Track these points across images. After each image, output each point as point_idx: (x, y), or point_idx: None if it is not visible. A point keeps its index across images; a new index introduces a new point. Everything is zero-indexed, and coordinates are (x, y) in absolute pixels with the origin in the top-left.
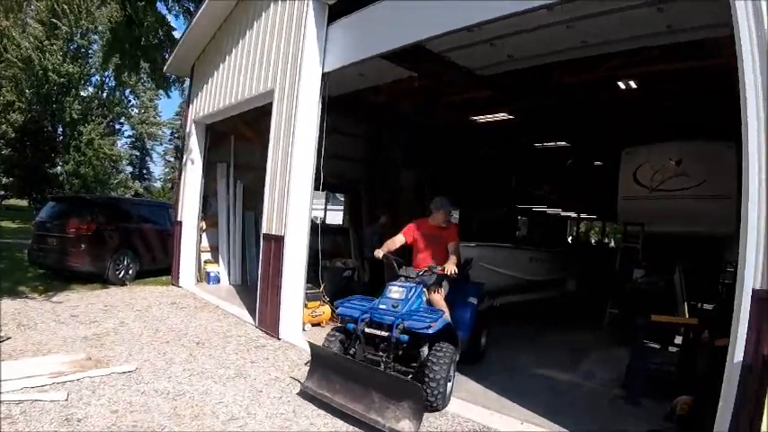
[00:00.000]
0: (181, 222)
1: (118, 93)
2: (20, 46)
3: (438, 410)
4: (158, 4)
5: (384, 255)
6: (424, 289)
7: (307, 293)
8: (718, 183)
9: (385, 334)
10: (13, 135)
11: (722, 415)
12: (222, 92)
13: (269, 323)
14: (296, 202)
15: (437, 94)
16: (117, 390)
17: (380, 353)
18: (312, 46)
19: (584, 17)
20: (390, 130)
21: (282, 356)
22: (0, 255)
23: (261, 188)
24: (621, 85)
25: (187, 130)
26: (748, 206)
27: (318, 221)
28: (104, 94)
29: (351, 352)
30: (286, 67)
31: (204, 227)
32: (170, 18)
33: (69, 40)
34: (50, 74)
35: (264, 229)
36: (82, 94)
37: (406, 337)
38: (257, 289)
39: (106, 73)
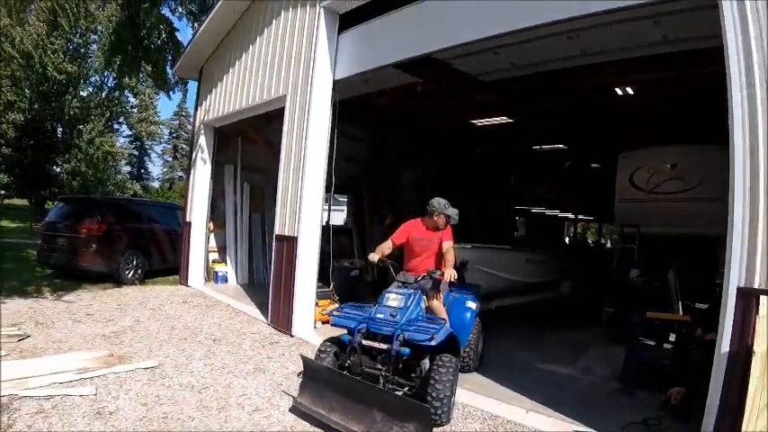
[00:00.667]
0: (190, 223)
1: (117, 92)
2: (22, 41)
3: (442, 426)
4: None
5: (379, 259)
6: (423, 297)
7: (317, 292)
8: (712, 185)
9: (384, 347)
10: (14, 134)
11: (711, 401)
12: (232, 96)
13: (281, 320)
14: (308, 204)
15: (439, 97)
16: (143, 384)
17: (379, 365)
18: (324, 54)
19: (584, 29)
20: (393, 132)
21: (297, 352)
22: (5, 255)
23: (267, 190)
24: (619, 91)
25: (196, 132)
26: (734, 209)
27: (326, 223)
28: (103, 94)
29: (346, 364)
30: (298, 75)
31: (212, 227)
32: (173, 20)
33: (69, 40)
34: (50, 70)
35: (277, 231)
36: (81, 93)
37: (407, 351)
38: (269, 288)
39: (105, 73)
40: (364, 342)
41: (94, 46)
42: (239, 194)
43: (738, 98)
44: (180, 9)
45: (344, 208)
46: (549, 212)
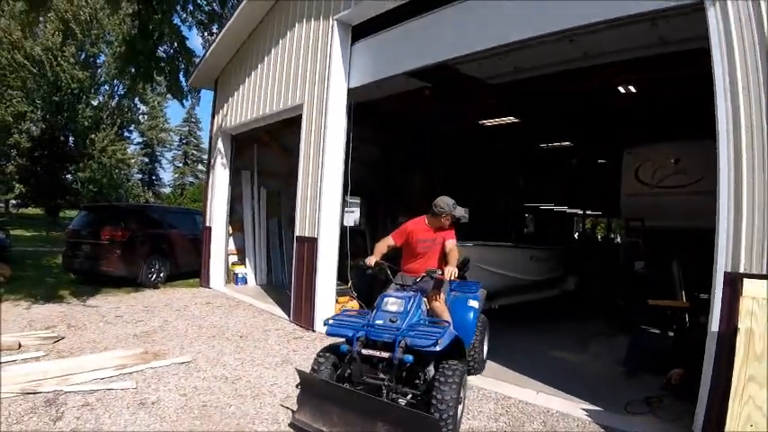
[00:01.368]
0: (210, 227)
1: (126, 100)
2: (32, 48)
3: None
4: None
5: (376, 262)
6: (424, 298)
7: (336, 289)
8: (714, 179)
9: (385, 355)
10: (28, 145)
11: (705, 376)
12: (249, 105)
13: (304, 317)
14: (327, 207)
15: (447, 100)
16: (180, 377)
17: (381, 375)
18: (338, 64)
19: (586, 32)
20: (402, 134)
21: (321, 346)
22: (25, 263)
23: (283, 193)
24: (621, 89)
25: (213, 140)
26: (720, 202)
27: (346, 224)
28: (113, 102)
29: (346, 374)
30: (314, 84)
31: (231, 231)
32: (183, 29)
33: (80, 48)
34: (63, 75)
35: (298, 232)
36: (92, 102)
37: (410, 358)
38: (291, 287)
39: (115, 81)
40: (364, 351)
41: (103, 56)
42: (256, 199)
43: (722, 99)
44: (190, 19)
45: (354, 210)
46: (557, 209)
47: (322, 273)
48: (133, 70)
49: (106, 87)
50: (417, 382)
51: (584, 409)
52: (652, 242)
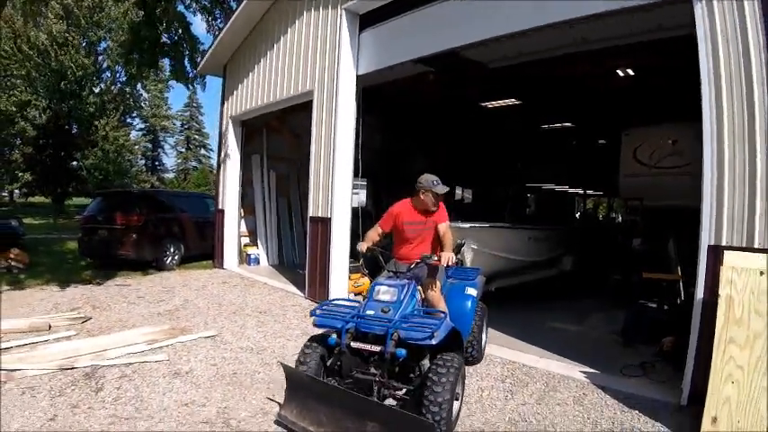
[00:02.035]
0: (223, 210)
1: (129, 87)
2: (37, 37)
3: None
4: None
5: (368, 248)
6: (418, 287)
7: (349, 267)
8: None
9: (376, 349)
10: (34, 133)
11: (692, 340)
12: (259, 91)
13: (318, 293)
14: (339, 188)
15: (450, 84)
16: (208, 349)
17: (372, 369)
18: (347, 52)
19: (584, 20)
20: (405, 118)
21: None
22: (38, 250)
23: (291, 176)
24: (620, 72)
25: (224, 126)
26: (704, 181)
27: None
28: (115, 89)
29: (336, 366)
30: (324, 71)
31: (243, 214)
32: (187, 15)
33: (83, 35)
34: (68, 63)
35: (311, 213)
36: (95, 90)
37: (403, 352)
38: (306, 265)
39: (117, 68)
40: (353, 344)
41: (105, 42)
42: (266, 182)
43: (707, 86)
44: (194, 5)
45: (360, 191)
46: (558, 189)
47: (335, 251)
48: (138, 57)
49: (108, 74)
50: (411, 375)
51: (582, 372)
52: (649, 220)
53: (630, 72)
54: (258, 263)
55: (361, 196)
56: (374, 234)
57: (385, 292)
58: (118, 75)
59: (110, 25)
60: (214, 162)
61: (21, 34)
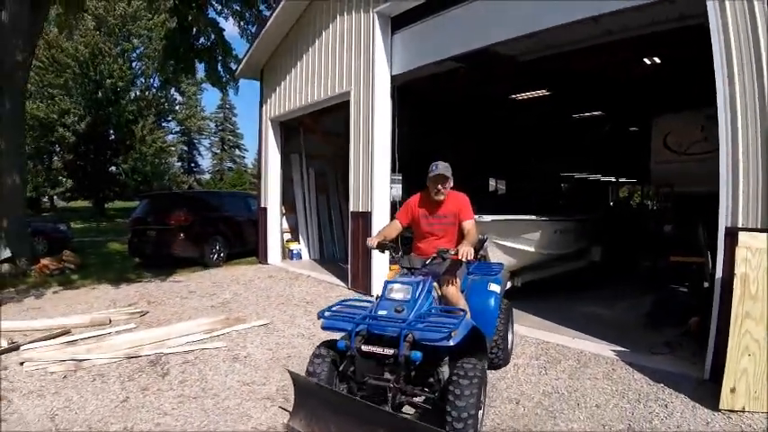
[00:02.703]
0: (265, 208)
1: (163, 91)
2: (77, 49)
3: None
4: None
5: (378, 243)
6: (435, 283)
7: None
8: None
9: (390, 352)
10: (74, 140)
11: (713, 317)
12: (297, 93)
13: (361, 284)
14: (379, 184)
15: (480, 78)
16: (262, 337)
17: (387, 375)
18: (381, 54)
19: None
20: (434, 113)
21: None
22: (86, 251)
23: (329, 174)
24: (647, 60)
25: (263, 128)
26: (721, 166)
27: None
28: (149, 94)
29: (349, 371)
30: (359, 73)
31: (284, 211)
32: (219, 20)
33: (116, 44)
34: (106, 73)
35: (352, 208)
36: (131, 95)
37: (419, 355)
38: (348, 257)
39: (150, 73)
40: (364, 348)
41: (139, 49)
42: (305, 180)
43: (720, 73)
44: (225, 10)
45: (396, 185)
46: (591, 177)
47: None
48: (173, 63)
49: (142, 80)
50: (431, 380)
51: (612, 350)
52: (680, 206)
53: (657, 60)
54: (300, 257)
55: (398, 190)
56: (391, 229)
57: (398, 290)
58: (152, 80)
59: (143, 33)
60: (248, 162)
61: (54, 45)
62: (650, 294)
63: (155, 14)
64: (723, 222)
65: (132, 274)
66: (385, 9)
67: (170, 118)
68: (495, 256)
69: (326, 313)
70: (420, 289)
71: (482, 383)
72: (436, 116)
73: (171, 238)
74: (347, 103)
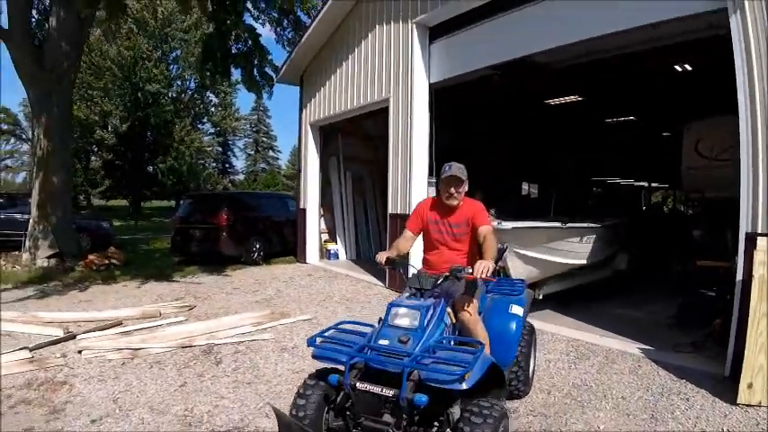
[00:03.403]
0: (305, 209)
1: (200, 94)
2: (120, 53)
3: None
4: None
5: (388, 258)
6: (448, 308)
7: None
8: None
9: (390, 393)
10: (114, 141)
11: (734, 318)
12: (336, 99)
13: (398, 283)
14: (416, 186)
15: (514, 84)
16: (306, 330)
17: (386, 417)
18: (419, 62)
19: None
20: (468, 117)
21: None
22: (127, 248)
23: (366, 177)
24: (678, 68)
25: (303, 132)
26: (742, 175)
27: None
28: (185, 97)
29: (347, 405)
30: (398, 81)
31: (322, 212)
32: (256, 26)
33: (156, 47)
34: (152, 82)
35: (390, 210)
36: (168, 98)
37: (423, 399)
38: None
39: (187, 75)
40: (359, 386)
41: (176, 52)
42: (343, 182)
43: (742, 88)
44: (262, 17)
45: (432, 189)
46: (624, 182)
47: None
48: (210, 68)
49: (179, 82)
50: (437, 424)
51: (639, 348)
52: (709, 212)
53: (688, 67)
54: (337, 257)
55: (434, 192)
56: (403, 241)
57: (404, 316)
58: (188, 82)
59: (179, 35)
60: (282, 163)
61: (94, 49)
62: (679, 298)
63: (188, 17)
64: (744, 228)
65: (174, 271)
66: (423, 19)
67: (205, 120)
68: (515, 266)
69: (317, 340)
70: (430, 315)
71: (498, 427)
72: (470, 119)
73: (213, 237)
74: (386, 109)
